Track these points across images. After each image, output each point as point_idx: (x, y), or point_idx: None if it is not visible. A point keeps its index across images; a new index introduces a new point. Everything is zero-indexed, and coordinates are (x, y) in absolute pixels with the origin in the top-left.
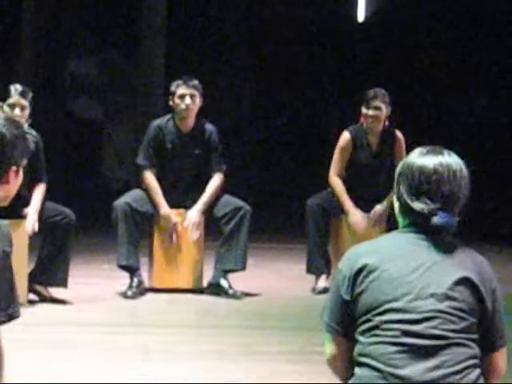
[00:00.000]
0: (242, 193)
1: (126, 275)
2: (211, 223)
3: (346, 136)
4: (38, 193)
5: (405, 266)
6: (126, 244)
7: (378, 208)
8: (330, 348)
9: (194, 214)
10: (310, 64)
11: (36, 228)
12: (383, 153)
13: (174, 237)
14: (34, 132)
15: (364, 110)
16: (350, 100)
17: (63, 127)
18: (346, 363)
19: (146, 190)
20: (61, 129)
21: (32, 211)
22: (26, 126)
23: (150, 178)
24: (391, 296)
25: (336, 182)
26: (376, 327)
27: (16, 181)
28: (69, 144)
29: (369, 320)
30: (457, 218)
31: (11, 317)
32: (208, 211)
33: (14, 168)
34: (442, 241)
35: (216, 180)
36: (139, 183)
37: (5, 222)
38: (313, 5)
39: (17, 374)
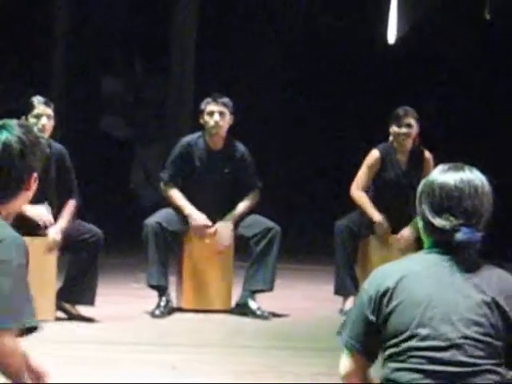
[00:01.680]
0: (270, 213)
1: (154, 294)
2: (240, 243)
3: (374, 154)
4: (67, 210)
5: (431, 290)
6: (156, 264)
7: (405, 232)
8: (346, 364)
9: (225, 223)
10: (341, 85)
11: (58, 238)
12: (412, 171)
13: (205, 234)
14: (58, 145)
15: (395, 129)
16: (379, 121)
17: (93, 145)
18: (361, 381)
19: (170, 201)
20: (90, 147)
21: (56, 229)
22: (46, 136)
23: (171, 190)
24: (417, 321)
25: (359, 195)
26: (402, 353)
27: (34, 187)
28: (98, 162)
29: (395, 345)
30: (480, 234)
31: (29, 328)
32: (237, 231)
33: (34, 175)
34: (467, 261)
35: (252, 196)
36: (168, 201)
37: (20, 236)
38: (342, 26)
39: None
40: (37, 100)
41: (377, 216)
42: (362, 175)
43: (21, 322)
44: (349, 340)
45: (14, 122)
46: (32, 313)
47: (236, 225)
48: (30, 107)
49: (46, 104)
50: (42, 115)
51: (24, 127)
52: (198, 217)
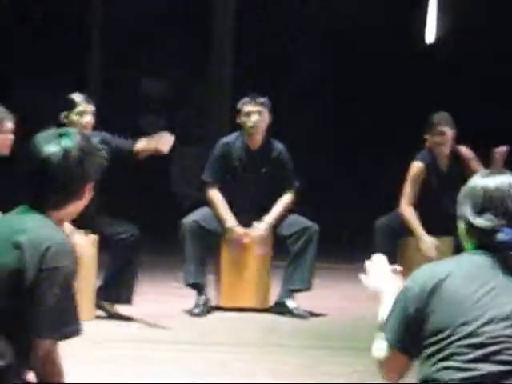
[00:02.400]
0: (307, 212)
1: (193, 293)
2: (278, 242)
3: (418, 166)
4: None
5: (474, 290)
6: (193, 262)
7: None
8: (387, 359)
9: (262, 226)
10: (378, 86)
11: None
12: (454, 172)
13: (240, 249)
14: (102, 132)
15: (429, 137)
16: (419, 121)
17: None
18: (400, 375)
19: (211, 206)
20: None
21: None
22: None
23: (214, 193)
24: (460, 320)
25: (409, 212)
26: (444, 351)
27: (88, 197)
28: (138, 162)
29: (436, 343)
30: None
31: (68, 336)
32: (275, 230)
33: (89, 185)
34: (509, 262)
35: (287, 197)
36: (207, 201)
37: (69, 240)
38: (381, 25)
39: None
40: (79, 97)
41: (420, 233)
42: (408, 189)
43: (63, 332)
44: (391, 339)
45: (74, 131)
46: (76, 321)
47: (273, 226)
48: (71, 104)
49: (88, 101)
50: (86, 112)
51: (84, 136)
52: (239, 231)
